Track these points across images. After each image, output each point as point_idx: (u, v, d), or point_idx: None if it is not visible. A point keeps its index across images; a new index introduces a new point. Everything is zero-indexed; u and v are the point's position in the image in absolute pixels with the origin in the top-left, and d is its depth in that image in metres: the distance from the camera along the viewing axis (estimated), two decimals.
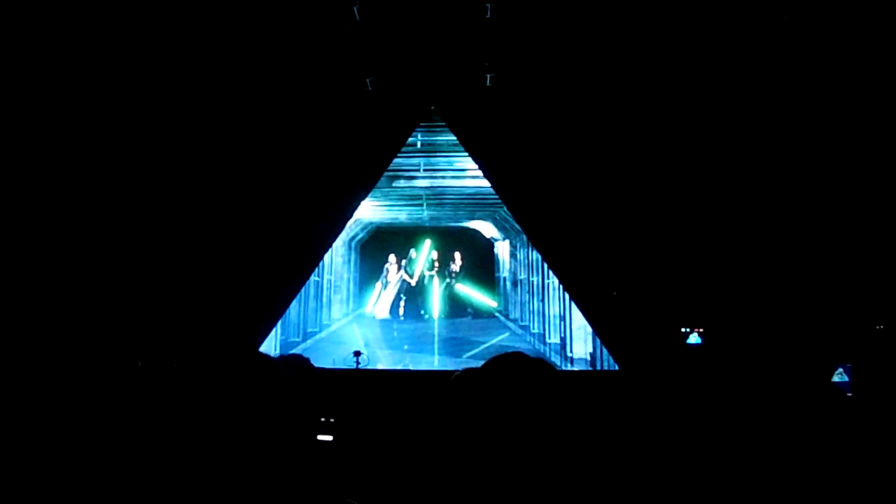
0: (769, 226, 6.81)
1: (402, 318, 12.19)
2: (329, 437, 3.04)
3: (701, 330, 6.99)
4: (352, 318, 12.34)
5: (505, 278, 12.73)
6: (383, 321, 12.10)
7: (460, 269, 12.41)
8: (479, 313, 12.30)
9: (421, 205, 11.72)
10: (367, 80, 7.16)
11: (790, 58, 6.11)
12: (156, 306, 6.80)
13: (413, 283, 12.26)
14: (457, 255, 12.51)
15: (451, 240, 12.50)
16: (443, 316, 12.12)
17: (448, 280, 12.30)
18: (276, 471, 1.24)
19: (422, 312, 12.20)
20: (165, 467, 1.56)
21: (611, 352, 7.62)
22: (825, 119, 6.32)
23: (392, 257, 12.42)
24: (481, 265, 12.50)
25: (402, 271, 12.27)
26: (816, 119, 6.36)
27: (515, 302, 12.14)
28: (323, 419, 3.19)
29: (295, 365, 1.86)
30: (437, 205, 11.88)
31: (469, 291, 12.32)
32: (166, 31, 6.10)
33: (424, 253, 12.29)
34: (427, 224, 12.56)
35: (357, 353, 7.60)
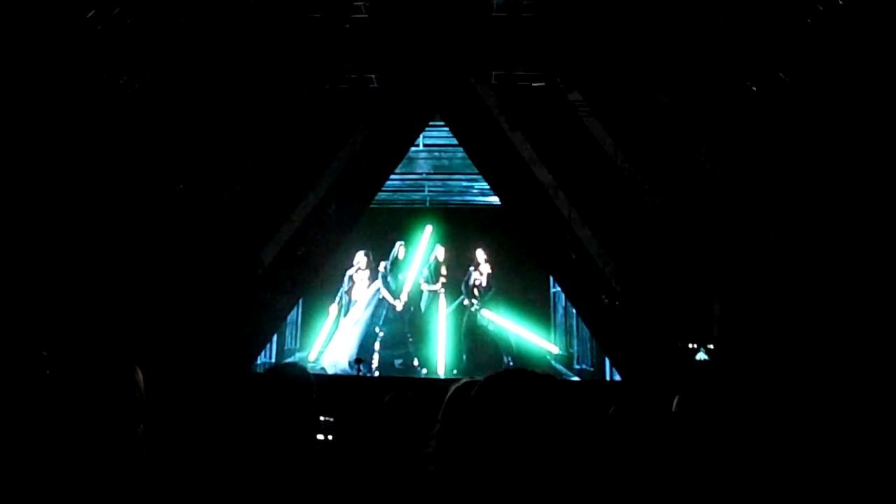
0: (778, 235, 7.23)
1: (374, 373, 8.13)
2: (329, 437, 3.72)
3: (710, 347, 7.44)
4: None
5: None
6: (338, 378, 7.63)
7: (488, 282, 8.55)
8: (525, 368, 7.39)
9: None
10: (374, 76, 7.68)
11: (799, 58, 6.67)
12: (150, 313, 7.16)
13: (400, 306, 8.49)
14: (480, 254, 8.75)
15: (471, 226, 9.10)
16: (455, 371, 8.18)
17: (466, 301, 8.56)
18: (273, 470, 1.79)
19: (414, 364, 8.37)
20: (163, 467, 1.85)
21: (613, 362, 7.90)
22: (839, 132, 6.68)
23: (360, 257, 8.65)
24: (525, 272, 8.80)
25: (379, 283, 8.48)
26: (828, 132, 6.73)
27: None
28: (322, 419, 3.98)
29: (291, 372, 2.33)
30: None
31: (505, 323, 8.44)
32: (167, 27, 6.66)
33: (421, 250, 8.78)
34: (428, 197, 9.35)
35: (359, 361, 7.31)
